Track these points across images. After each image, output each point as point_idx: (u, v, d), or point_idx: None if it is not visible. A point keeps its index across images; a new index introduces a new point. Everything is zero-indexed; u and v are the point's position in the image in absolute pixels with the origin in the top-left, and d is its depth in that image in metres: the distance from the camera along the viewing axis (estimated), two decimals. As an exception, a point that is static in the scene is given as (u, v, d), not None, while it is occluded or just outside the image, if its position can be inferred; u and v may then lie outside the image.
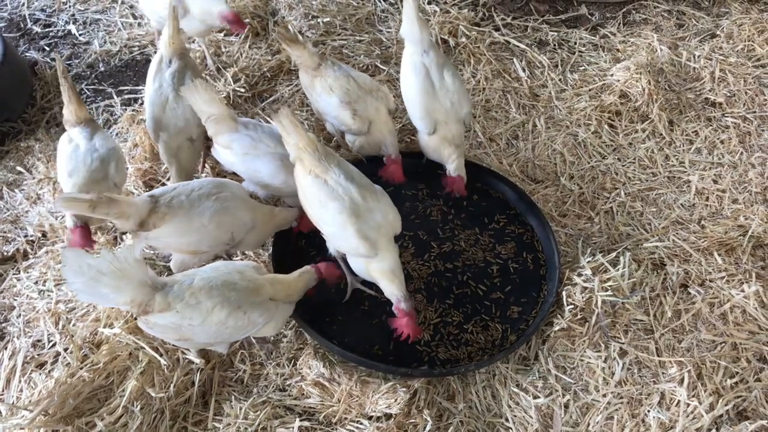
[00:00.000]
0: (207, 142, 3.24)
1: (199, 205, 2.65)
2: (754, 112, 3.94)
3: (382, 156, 3.29)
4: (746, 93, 4.03)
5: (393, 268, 2.66)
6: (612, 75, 4.04)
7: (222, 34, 4.24)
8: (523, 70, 4.16)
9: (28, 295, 3.00)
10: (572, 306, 2.85)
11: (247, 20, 4.10)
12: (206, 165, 3.46)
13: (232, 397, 2.68)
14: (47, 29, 4.42)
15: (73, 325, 2.85)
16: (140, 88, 3.98)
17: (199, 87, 2.86)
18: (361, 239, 2.58)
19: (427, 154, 3.29)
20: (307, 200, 2.71)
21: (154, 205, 2.61)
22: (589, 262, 2.99)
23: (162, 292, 2.33)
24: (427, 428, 2.56)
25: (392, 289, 2.67)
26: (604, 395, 2.67)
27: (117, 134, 3.71)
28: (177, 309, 2.32)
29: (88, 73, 4.13)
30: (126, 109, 3.82)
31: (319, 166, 2.64)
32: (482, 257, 3.14)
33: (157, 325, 2.36)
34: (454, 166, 3.20)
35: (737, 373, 2.72)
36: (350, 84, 3.19)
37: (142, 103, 3.88)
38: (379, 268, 2.66)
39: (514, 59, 4.22)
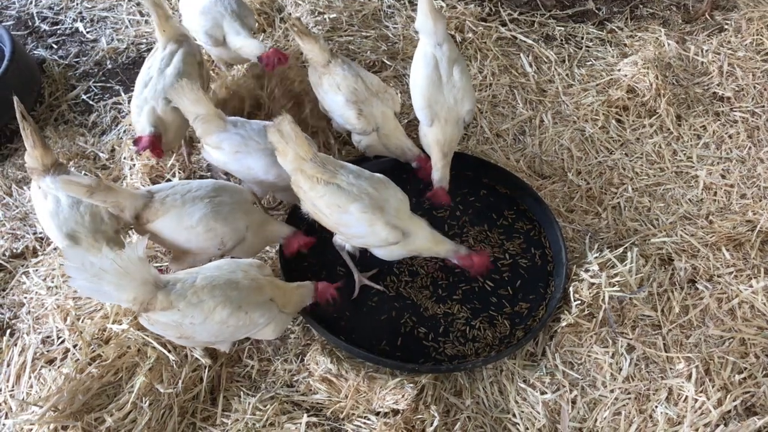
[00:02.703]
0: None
1: (191, 207, 2.65)
2: (763, 106, 3.91)
3: (404, 160, 3.29)
4: (755, 87, 4.00)
5: (432, 234, 2.72)
6: (619, 70, 4.02)
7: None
8: (530, 66, 4.14)
9: (37, 292, 3.02)
10: (579, 302, 2.85)
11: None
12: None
13: (240, 392, 2.70)
14: (55, 27, 4.43)
15: (82, 321, 2.86)
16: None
17: (185, 87, 2.82)
18: (391, 229, 2.61)
19: (423, 146, 3.25)
20: (322, 210, 2.66)
21: (149, 200, 2.64)
22: (596, 257, 2.98)
23: (164, 290, 2.32)
24: (435, 424, 2.56)
25: (445, 247, 2.74)
26: (612, 391, 2.66)
27: (125, 131, 3.72)
28: (179, 308, 2.31)
29: (96, 70, 4.15)
30: (133, 107, 3.83)
31: (326, 173, 2.61)
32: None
33: (158, 322, 2.36)
34: (438, 177, 3.12)
35: (745, 368, 2.71)
36: (358, 84, 3.18)
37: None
38: (423, 238, 2.70)
39: (521, 54, 4.21)
